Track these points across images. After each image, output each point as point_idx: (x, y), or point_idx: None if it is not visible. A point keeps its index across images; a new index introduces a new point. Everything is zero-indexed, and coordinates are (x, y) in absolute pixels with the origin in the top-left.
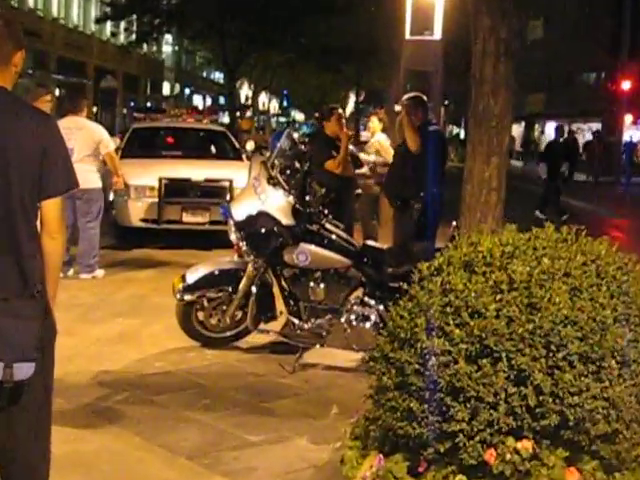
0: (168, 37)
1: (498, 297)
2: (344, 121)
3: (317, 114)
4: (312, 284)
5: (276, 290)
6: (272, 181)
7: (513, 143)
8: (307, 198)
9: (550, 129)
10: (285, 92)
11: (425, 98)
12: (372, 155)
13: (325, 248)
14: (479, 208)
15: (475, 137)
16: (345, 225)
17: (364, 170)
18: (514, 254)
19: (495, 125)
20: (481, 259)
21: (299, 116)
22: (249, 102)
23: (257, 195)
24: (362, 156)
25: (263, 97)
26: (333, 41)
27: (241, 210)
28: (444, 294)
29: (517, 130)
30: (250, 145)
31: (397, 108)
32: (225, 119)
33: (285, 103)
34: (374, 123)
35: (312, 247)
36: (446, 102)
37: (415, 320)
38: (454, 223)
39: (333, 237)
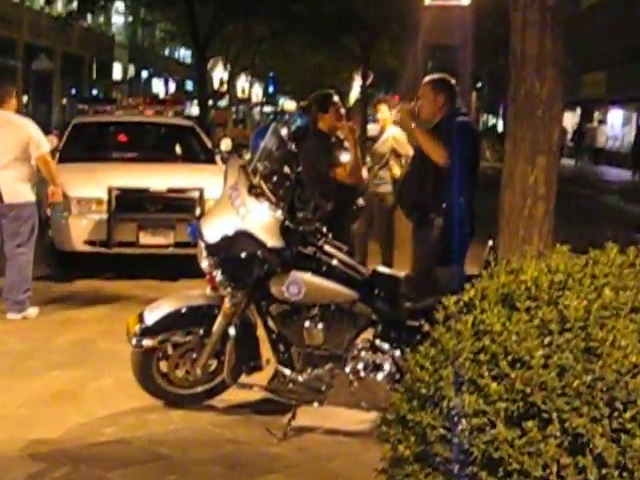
0: (119, 4)
1: (547, 340)
2: (343, 111)
3: (303, 103)
4: (308, 324)
5: (261, 332)
6: (254, 191)
7: (564, 136)
8: (300, 213)
9: (615, 117)
10: (271, 74)
11: (452, 81)
12: (386, 155)
13: (324, 277)
14: (522, 223)
15: (516, 130)
16: (349, 246)
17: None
18: (567, 284)
19: (541, 115)
20: (524, 291)
21: (289, 105)
22: (224, 88)
23: (235, 209)
24: (369, 162)
25: (243, 81)
26: (333, 6)
27: (215, 229)
28: (477, 337)
29: (571, 119)
30: (226, 144)
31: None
32: (194, 110)
33: (271, 88)
34: (384, 113)
35: (307, 276)
36: (478, 84)
37: (440, 371)
38: (490, 243)
39: (334, 263)
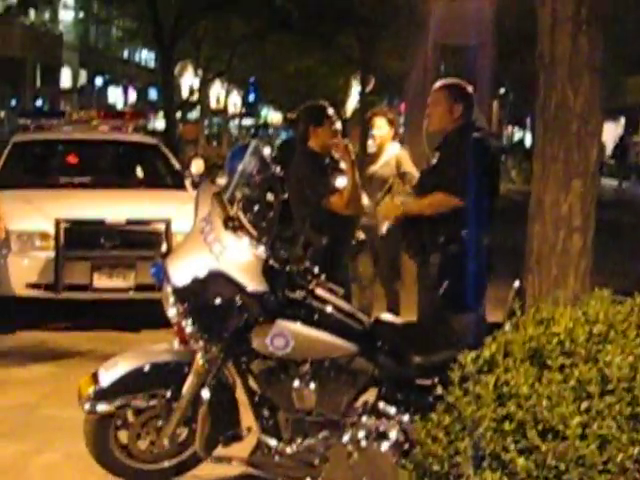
0: None
1: (584, 405)
2: (338, 126)
3: (291, 115)
4: (297, 384)
5: (241, 394)
6: (232, 224)
7: (603, 152)
8: (286, 250)
9: None
10: (252, 81)
11: (469, 89)
12: (389, 179)
13: (316, 327)
14: (554, 261)
15: (546, 149)
16: (346, 290)
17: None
18: (608, 337)
19: (576, 130)
20: (557, 346)
21: (274, 116)
22: (195, 97)
23: (208, 246)
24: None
25: (218, 88)
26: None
27: (184, 269)
28: (500, 402)
29: (612, 131)
30: (197, 165)
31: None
32: (158, 124)
33: (252, 97)
34: (381, 129)
35: (295, 326)
36: (501, 90)
37: (456, 444)
38: (515, 285)
39: (328, 309)
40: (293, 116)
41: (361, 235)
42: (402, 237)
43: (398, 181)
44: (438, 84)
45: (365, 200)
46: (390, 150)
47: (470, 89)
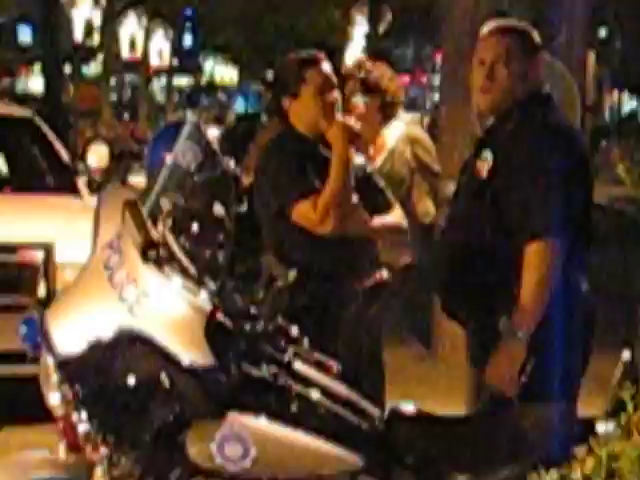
0: None
1: None
2: (336, 94)
3: (269, 74)
4: None
5: None
6: (155, 253)
7: None
8: (243, 298)
9: None
10: (188, 14)
11: (534, 35)
12: (405, 178)
13: (293, 425)
14: None
15: None
16: (347, 361)
17: (393, 219)
18: None
19: None
20: None
21: (226, 73)
22: (95, 40)
23: (116, 289)
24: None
25: (132, 27)
26: None
27: (75, 328)
28: None
29: None
30: (98, 154)
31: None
32: (34, 85)
33: (188, 41)
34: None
35: (260, 423)
36: (602, 34)
37: None
38: (624, 356)
39: (314, 396)
40: (270, 77)
41: (383, 275)
42: (448, 290)
43: (421, 181)
44: (488, 26)
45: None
46: (397, 128)
47: (535, 35)
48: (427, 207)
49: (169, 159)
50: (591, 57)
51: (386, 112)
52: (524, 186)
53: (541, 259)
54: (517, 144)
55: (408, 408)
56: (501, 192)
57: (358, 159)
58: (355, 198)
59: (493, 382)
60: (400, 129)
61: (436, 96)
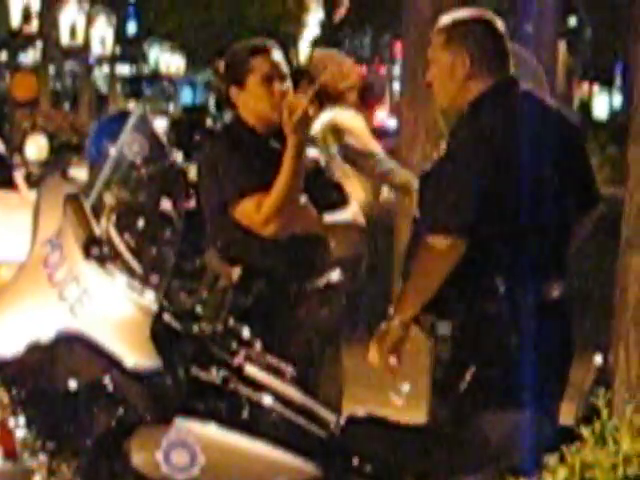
0: None
1: None
2: (288, 84)
3: (219, 63)
4: None
5: None
6: (98, 251)
7: None
8: (191, 298)
9: None
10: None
11: (494, 22)
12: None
13: (244, 432)
14: None
15: None
16: (300, 362)
17: (348, 216)
18: None
19: None
20: None
21: (172, 62)
22: (34, 26)
23: (57, 288)
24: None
25: (73, 12)
26: None
27: (12, 329)
28: None
29: None
30: (37, 146)
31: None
32: None
33: (132, 27)
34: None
35: (208, 430)
36: (572, 22)
37: None
38: (596, 361)
39: (266, 401)
40: (217, 65)
41: (335, 276)
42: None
43: (344, 170)
44: (441, 22)
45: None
46: (321, 120)
47: (499, 24)
48: (357, 192)
49: (113, 151)
50: (562, 46)
51: (331, 100)
52: (437, 180)
53: (432, 254)
54: (450, 141)
55: (366, 415)
56: (430, 185)
57: (311, 152)
58: (304, 198)
59: (371, 363)
60: (328, 117)
61: (395, 87)
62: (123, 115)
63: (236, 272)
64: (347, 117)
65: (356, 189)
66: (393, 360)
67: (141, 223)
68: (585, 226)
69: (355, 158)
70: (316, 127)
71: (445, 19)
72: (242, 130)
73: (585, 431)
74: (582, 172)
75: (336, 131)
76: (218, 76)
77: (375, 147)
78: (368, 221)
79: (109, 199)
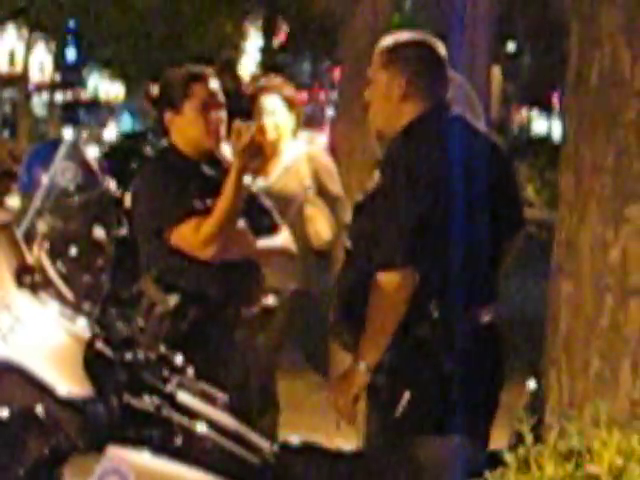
0: None
1: None
2: (221, 114)
3: (154, 90)
4: None
5: None
6: (30, 278)
7: None
8: (124, 325)
9: None
10: (71, 27)
11: (435, 46)
12: (297, 199)
13: (177, 459)
14: (595, 345)
15: (582, 151)
16: (235, 388)
17: (279, 242)
18: None
19: (635, 119)
20: None
21: (111, 89)
22: None
23: None
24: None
25: (12, 39)
26: None
27: None
28: None
29: None
30: None
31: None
32: None
33: (72, 54)
34: (274, 113)
35: (141, 458)
36: (509, 48)
37: None
38: (528, 386)
39: (199, 429)
40: (154, 89)
41: (270, 301)
42: (335, 316)
43: (314, 200)
44: (381, 44)
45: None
46: (291, 150)
47: (440, 49)
48: (320, 231)
49: (45, 179)
50: (496, 71)
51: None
52: (373, 213)
53: (386, 291)
54: (382, 170)
55: (300, 442)
56: (365, 216)
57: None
58: (242, 222)
59: (333, 409)
60: (300, 147)
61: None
62: (55, 143)
63: (173, 299)
64: (321, 152)
65: (323, 223)
66: (356, 407)
67: (73, 251)
68: (510, 249)
69: (324, 197)
70: (287, 156)
71: (387, 40)
72: (175, 156)
73: (509, 456)
74: (509, 195)
75: (311, 163)
76: (148, 99)
77: (338, 188)
78: (328, 255)
79: (42, 227)
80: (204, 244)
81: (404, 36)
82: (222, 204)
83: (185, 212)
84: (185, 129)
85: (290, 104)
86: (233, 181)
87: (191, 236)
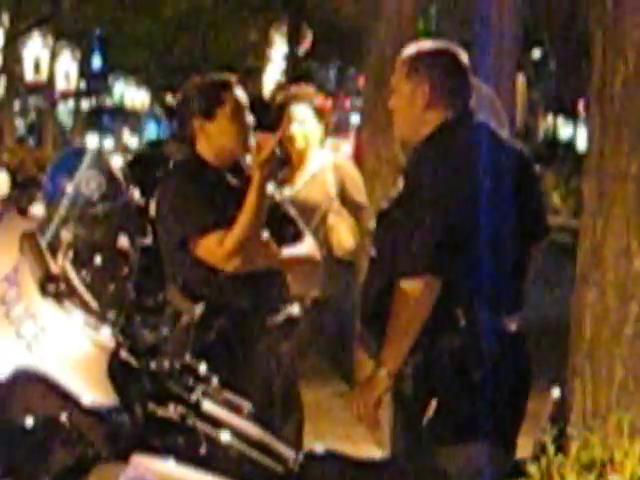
0: None
1: None
2: (250, 119)
3: (172, 99)
4: None
5: None
6: (55, 287)
7: None
8: (149, 334)
9: None
10: (97, 34)
11: (459, 55)
12: (320, 207)
13: (203, 468)
14: (619, 352)
15: (606, 159)
16: (260, 397)
17: (303, 251)
18: None
19: None
20: None
21: (136, 97)
22: None
23: (13, 325)
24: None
25: (37, 47)
26: None
27: None
28: None
29: None
30: None
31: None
32: None
33: (97, 62)
34: (304, 122)
35: (167, 467)
36: (535, 54)
37: None
38: (553, 395)
39: (224, 438)
40: (175, 101)
41: (294, 310)
42: (366, 321)
43: (339, 210)
44: (404, 54)
45: (304, 246)
46: (318, 159)
47: (462, 57)
48: (343, 239)
49: (70, 188)
50: (520, 79)
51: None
52: (396, 220)
53: (409, 298)
54: (407, 178)
55: (325, 452)
56: (390, 224)
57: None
58: (265, 233)
59: (354, 416)
60: (327, 156)
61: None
62: (80, 151)
63: (198, 309)
64: (347, 161)
65: (346, 232)
66: (377, 413)
67: (98, 259)
68: (535, 257)
69: (349, 206)
70: (314, 164)
71: (410, 49)
72: (199, 165)
73: (532, 467)
74: (534, 203)
75: (338, 173)
76: (163, 108)
77: (363, 198)
78: (352, 265)
79: (66, 236)
80: (228, 257)
81: (427, 45)
82: (244, 217)
83: (210, 224)
84: (217, 136)
85: (319, 113)
86: (254, 194)
87: (215, 250)
